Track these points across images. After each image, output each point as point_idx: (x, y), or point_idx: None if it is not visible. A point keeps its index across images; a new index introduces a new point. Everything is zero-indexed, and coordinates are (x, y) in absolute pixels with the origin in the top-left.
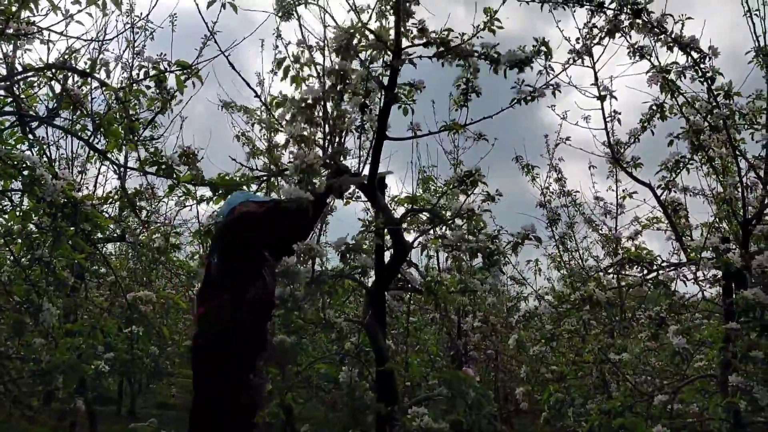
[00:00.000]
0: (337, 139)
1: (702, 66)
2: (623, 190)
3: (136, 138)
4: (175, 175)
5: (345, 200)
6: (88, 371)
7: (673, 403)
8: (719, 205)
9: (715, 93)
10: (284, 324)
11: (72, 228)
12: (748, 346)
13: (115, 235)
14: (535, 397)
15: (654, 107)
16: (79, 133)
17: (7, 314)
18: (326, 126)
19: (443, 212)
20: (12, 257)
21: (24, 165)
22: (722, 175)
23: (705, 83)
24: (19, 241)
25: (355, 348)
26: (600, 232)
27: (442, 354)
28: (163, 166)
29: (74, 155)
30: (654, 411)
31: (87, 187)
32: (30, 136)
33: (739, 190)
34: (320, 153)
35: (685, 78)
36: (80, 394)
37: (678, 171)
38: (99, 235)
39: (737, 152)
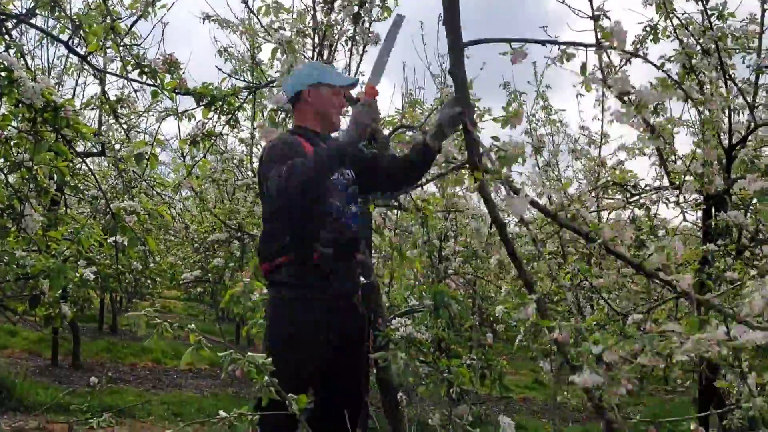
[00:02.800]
0: (326, 52)
1: None
2: (611, 114)
3: (118, 39)
4: (158, 81)
5: None
6: (73, 277)
7: (646, 323)
8: (705, 128)
9: (709, 13)
10: None
11: (53, 133)
12: (723, 268)
13: (95, 150)
14: (509, 321)
15: (648, 28)
16: (58, 36)
17: None
18: (315, 37)
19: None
20: None
21: (2, 66)
22: (711, 99)
23: (699, 2)
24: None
25: None
26: (586, 157)
27: (422, 278)
28: (147, 70)
29: (50, 65)
30: (627, 331)
31: (64, 98)
32: (6, 38)
33: (726, 114)
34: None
35: None
36: (65, 301)
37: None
38: (81, 144)
39: (727, 76)
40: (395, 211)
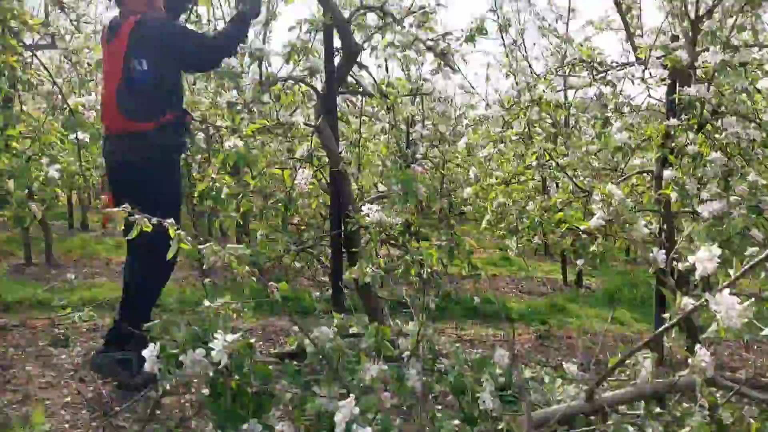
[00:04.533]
0: None
1: None
2: None
3: None
4: None
5: None
6: (38, 176)
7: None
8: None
9: None
10: (234, 128)
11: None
12: (685, 142)
13: (44, 42)
14: (478, 205)
15: None
16: None
17: None
18: None
19: (393, 11)
20: None
21: None
22: None
23: None
24: None
25: (307, 152)
26: (553, 34)
27: (390, 163)
28: None
29: None
30: (590, 207)
31: None
32: None
33: None
34: None
35: None
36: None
37: None
38: (29, 36)
39: None
40: (360, 96)
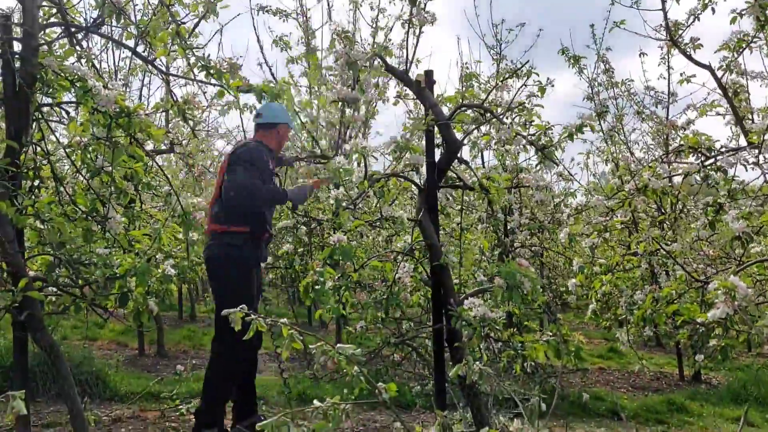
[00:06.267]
0: (382, 34)
1: None
2: (681, 74)
3: (183, 42)
4: (224, 81)
5: (394, 100)
6: (156, 274)
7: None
8: None
9: None
10: (339, 224)
11: (127, 137)
12: None
13: (163, 146)
14: (581, 293)
15: None
16: (124, 42)
17: (75, 223)
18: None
19: (494, 107)
20: (73, 168)
21: (76, 77)
22: None
23: None
24: (78, 152)
25: (408, 246)
26: (653, 120)
27: (488, 253)
28: (212, 71)
29: (117, 68)
30: (708, 297)
31: (132, 100)
32: (77, 48)
33: None
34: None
35: None
36: (149, 295)
37: (741, 50)
38: (149, 142)
39: None
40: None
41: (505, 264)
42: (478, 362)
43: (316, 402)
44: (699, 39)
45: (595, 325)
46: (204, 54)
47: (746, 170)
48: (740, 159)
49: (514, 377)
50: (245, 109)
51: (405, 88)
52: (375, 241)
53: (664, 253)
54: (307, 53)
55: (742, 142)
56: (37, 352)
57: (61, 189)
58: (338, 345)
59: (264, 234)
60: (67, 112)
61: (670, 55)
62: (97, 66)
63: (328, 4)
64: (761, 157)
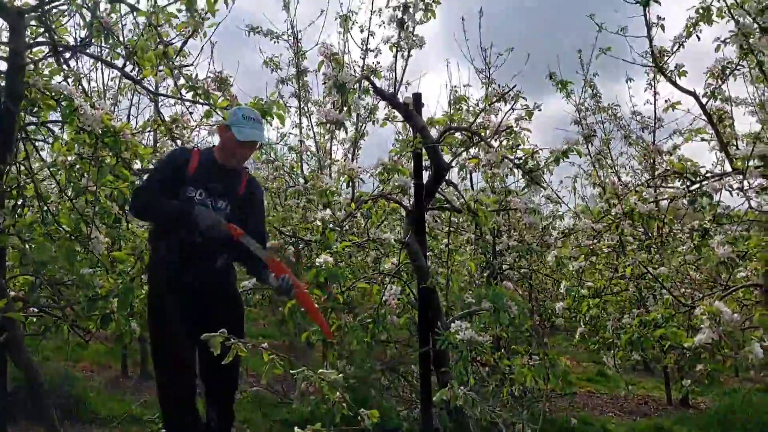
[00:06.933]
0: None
1: None
2: (665, 101)
3: (171, 63)
4: (211, 101)
5: (382, 122)
6: (140, 295)
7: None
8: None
9: None
10: (325, 246)
11: (114, 157)
12: None
13: (151, 167)
14: (569, 316)
15: (701, 10)
16: (112, 62)
17: (58, 243)
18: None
19: (481, 130)
20: (58, 188)
21: (62, 96)
22: None
23: None
24: (63, 172)
25: (395, 268)
26: (639, 145)
27: (476, 275)
28: (200, 92)
29: (105, 87)
30: (695, 322)
31: (120, 119)
32: (64, 67)
33: None
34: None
35: None
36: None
37: (725, 78)
38: (136, 162)
39: None
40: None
41: (492, 287)
42: (463, 387)
43: (297, 429)
44: (684, 66)
45: (584, 348)
46: (192, 74)
47: (731, 195)
48: (725, 185)
49: (501, 401)
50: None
51: (394, 110)
52: (363, 261)
53: (652, 277)
54: (298, 73)
55: (728, 167)
56: (19, 375)
57: (45, 208)
58: (320, 371)
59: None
60: (53, 132)
61: (656, 81)
62: (86, 85)
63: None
64: (745, 183)
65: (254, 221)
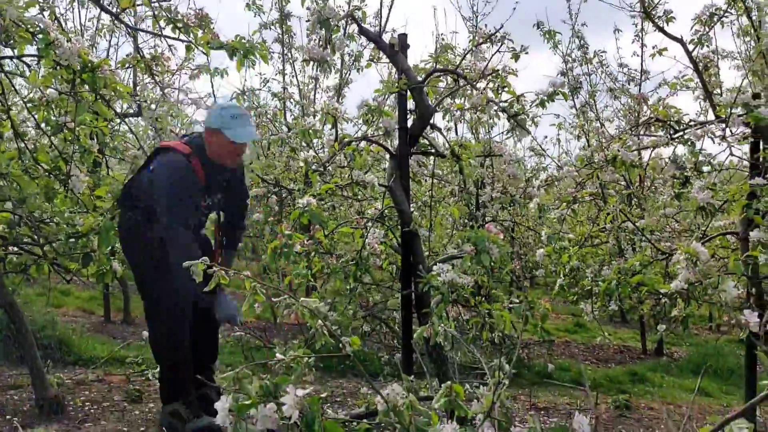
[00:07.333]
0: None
1: None
2: (653, 47)
3: None
4: (192, 36)
5: (366, 62)
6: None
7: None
8: (754, 57)
9: None
10: (308, 186)
11: (92, 94)
12: None
13: (132, 110)
14: (549, 269)
15: None
16: None
17: (37, 181)
18: None
19: (467, 74)
20: (36, 124)
21: (38, 29)
22: (759, 28)
23: None
24: (42, 108)
25: (379, 213)
26: (626, 94)
27: (459, 221)
28: (179, 25)
29: (83, 28)
30: (672, 269)
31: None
32: (40, 0)
33: None
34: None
35: None
36: (114, 258)
37: (713, 24)
38: (118, 105)
39: None
40: (431, 158)
41: (475, 230)
42: (443, 326)
43: (278, 354)
44: (672, 12)
45: (563, 301)
46: (171, 6)
47: (714, 143)
48: (708, 132)
49: (481, 348)
50: (216, 73)
51: (379, 52)
52: (347, 213)
53: (632, 228)
54: (281, 17)
55: (711, 117)
56: (0, 315)
57: (22, 145)
58: (302, 299)
59: None
60: (29, 66)
61: (643, 33)
62: (63, 25)
63: None
64: (728, 131)
65: (237, 197)
